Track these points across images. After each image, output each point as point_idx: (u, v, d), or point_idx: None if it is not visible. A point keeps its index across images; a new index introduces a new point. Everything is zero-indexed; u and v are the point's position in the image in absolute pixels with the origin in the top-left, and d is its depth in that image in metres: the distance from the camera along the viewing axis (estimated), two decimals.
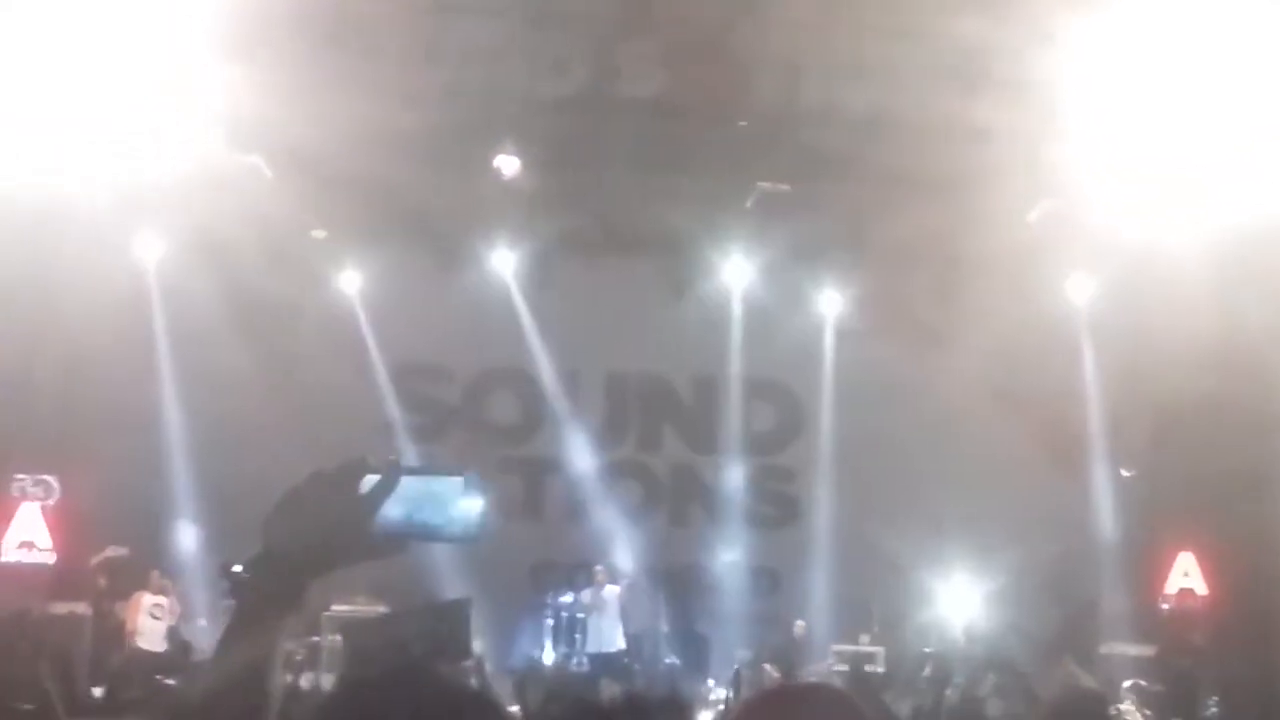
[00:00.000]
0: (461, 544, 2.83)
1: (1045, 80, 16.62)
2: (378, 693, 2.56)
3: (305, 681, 17.65)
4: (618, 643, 20.68)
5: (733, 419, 23.74)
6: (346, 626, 12.18)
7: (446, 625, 8.91)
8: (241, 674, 2.58)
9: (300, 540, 2.67)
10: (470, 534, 2.78)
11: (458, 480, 2.80)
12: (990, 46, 16.45)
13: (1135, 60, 16.91)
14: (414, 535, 2.75)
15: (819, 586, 22.44)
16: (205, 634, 19.59)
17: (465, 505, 2.75)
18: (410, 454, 22.73)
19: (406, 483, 2.72)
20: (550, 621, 21.00)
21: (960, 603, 21.55)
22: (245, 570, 2.70)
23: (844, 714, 3.49)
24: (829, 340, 23.37)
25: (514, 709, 15.17)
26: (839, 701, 3.59)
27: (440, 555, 19.31)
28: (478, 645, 19.94)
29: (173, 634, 20.04)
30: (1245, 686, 18.08)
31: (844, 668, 20.24)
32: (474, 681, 16.96)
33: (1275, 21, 16.12)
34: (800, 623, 21.65)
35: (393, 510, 2.70)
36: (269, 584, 2.68)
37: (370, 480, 2.71)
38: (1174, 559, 21.23)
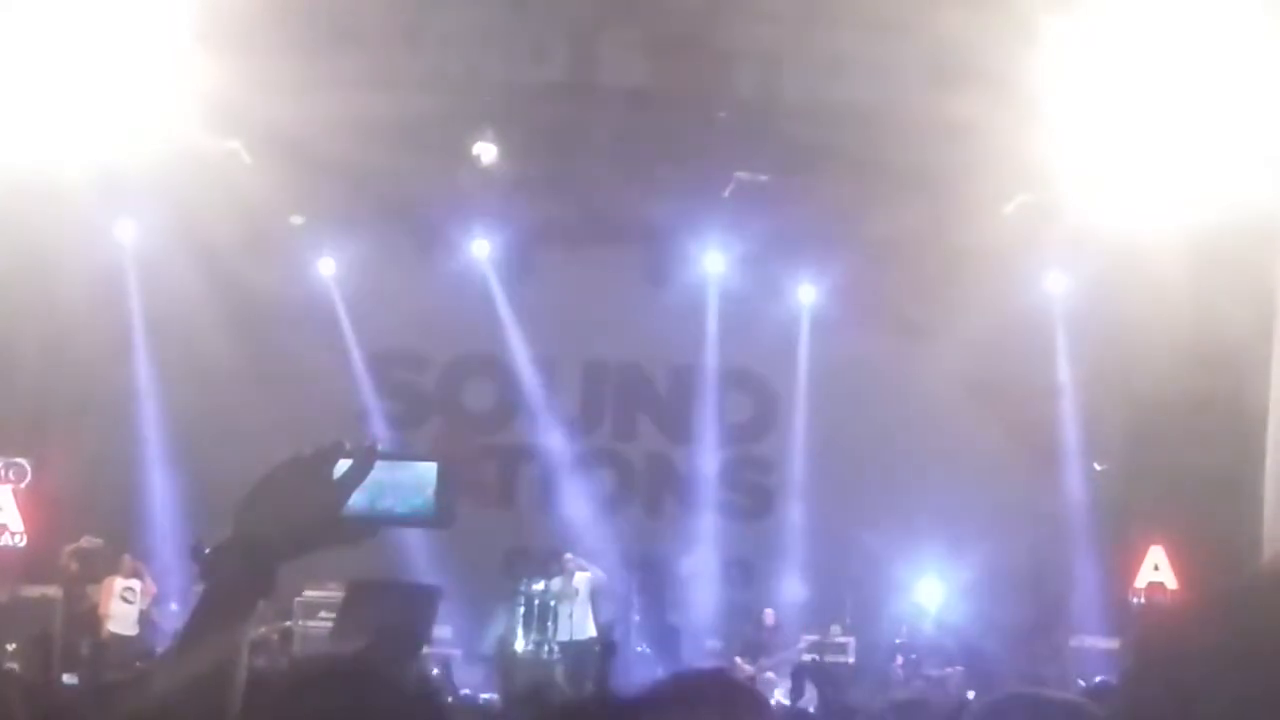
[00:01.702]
0: (431, 529, 2.86)
1: (1024, 75, 16.67)
2: (320, 691, 2.56)
3: (276, 667, 17.62)
4: (588, 630, 20.69)
5: (708, 409, 23.74)
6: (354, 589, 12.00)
7: (412, 612, 8.92)
8: (205, 672, 2.59)
9: (271, 524, 2.68)
10: (440, 521, 2.82)
11: (430, 467, 2.83)
12: (969, 41, 16.48)
13: (1113, 55, 16.97)
14: (384, 521, 2.78)
15: (792, 577, 22.46)
16: (176, 618, 19.55)
17: (436, 492, 2.77)
18: (385, 440, 22.74)
19: (379, 469, 2.73)
20: (522, 609, 20.99)
21: (933, 594, 21.63)
22: (215, 554, 2.71)
23: (741, 702, 3.51)
24: (805, 332, 23.37)
25: (487, 697, 15.21)
26: (736, 690, 3.61)
27: (413, 541, 19.32)
28: (446, 632, 20.07)
29: (145, 618, 20.01)
30: None
31: (811, 657, 20.25)
32: (436, 671, 16.99)
33: (1251, 17, 16.17)
34: (769, 611, 21.68)
35: (364, 496, 2.71)
36: (239, 568, 2.68)
37: (343, 465, 2.71)
38: (1145, 553, 21.30)
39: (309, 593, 19.78)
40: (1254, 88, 16.64)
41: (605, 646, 13.04)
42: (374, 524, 2.76)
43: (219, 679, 2.58)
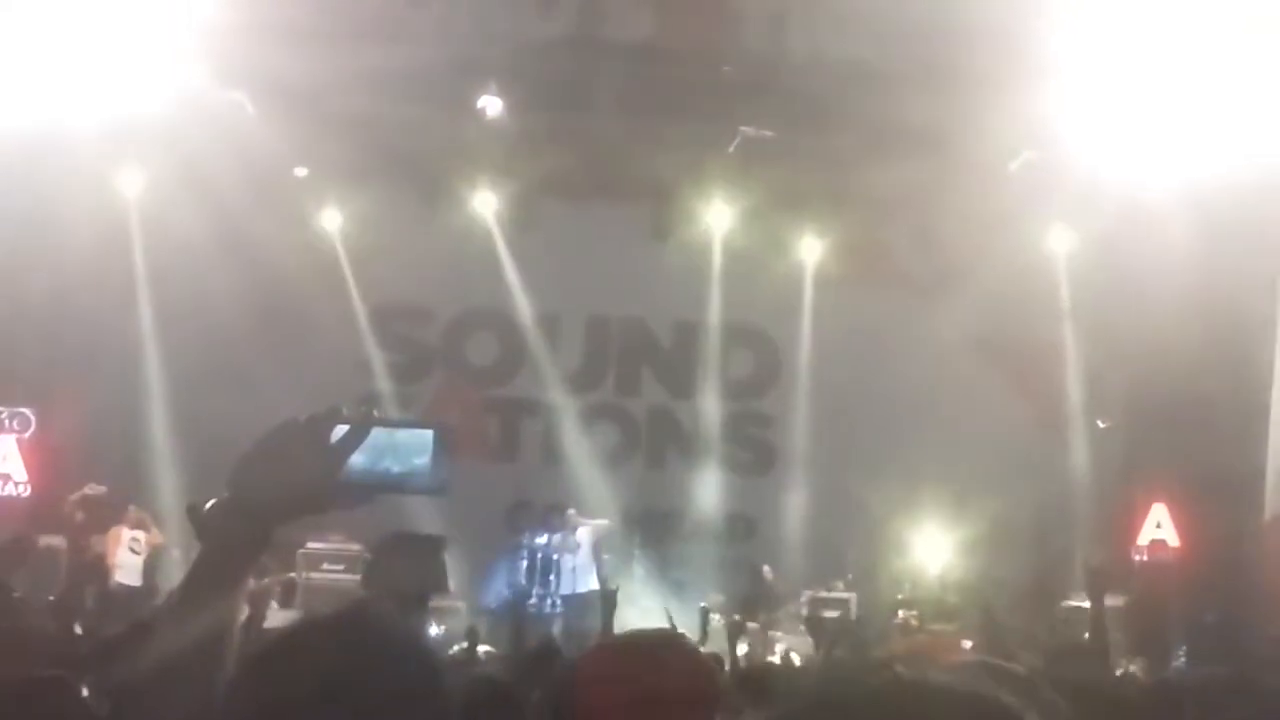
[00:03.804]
0: (427, 495, 2.88)
1: (1029, 31, 16.62)
2: (322, 634, 2.59)
3: (279, 619, 17.70)
4: (590, 584, 20.76)
5: (711, 364, 23.75)
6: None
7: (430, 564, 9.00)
8: (201, 631, 2.61)
9: (268, 487, 2.70)
10: (436, 486, 2.87)
11: (426, 433, 2.87)
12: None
13: (1119, 10, 16.91)
14: (380, 486, 2.81)
15: (794, 533, 22.52)
16: (177, 566, 19.60)
17: (433, 458, 2.79)
18: (388, 394, 22.79)
19: (376, 434, 2.76)
20: (525, 562, 21.06)
21: (935, 551, 21.67)
22: (211, 514, 2.73)
23: (688, 665, 3.54)
24: (809, 288, 23.36)
25: (485, 649, 15.24)
26: (684, 652, 3.64)
27: (415, 495, 19.35)
28: (450, 583, 20.17)
29: (150, 568, 20.08)
30: (1213, 637, 18.22)
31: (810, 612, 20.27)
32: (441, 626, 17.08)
33: None
34: (768, 568, 21.74)
35: (361, 460, 2.74)
36: (235, 528, 2.72)
37: (341, 430, 2.73)
38: (1148, 510, 21.34)
39: (312, 545, 19.89)
40: (1262, 43, 16.60)
41: (606, 598, 13.05)
42: (370, 489, 2.79)
43: (214, 638, 2.61)
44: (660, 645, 3.74)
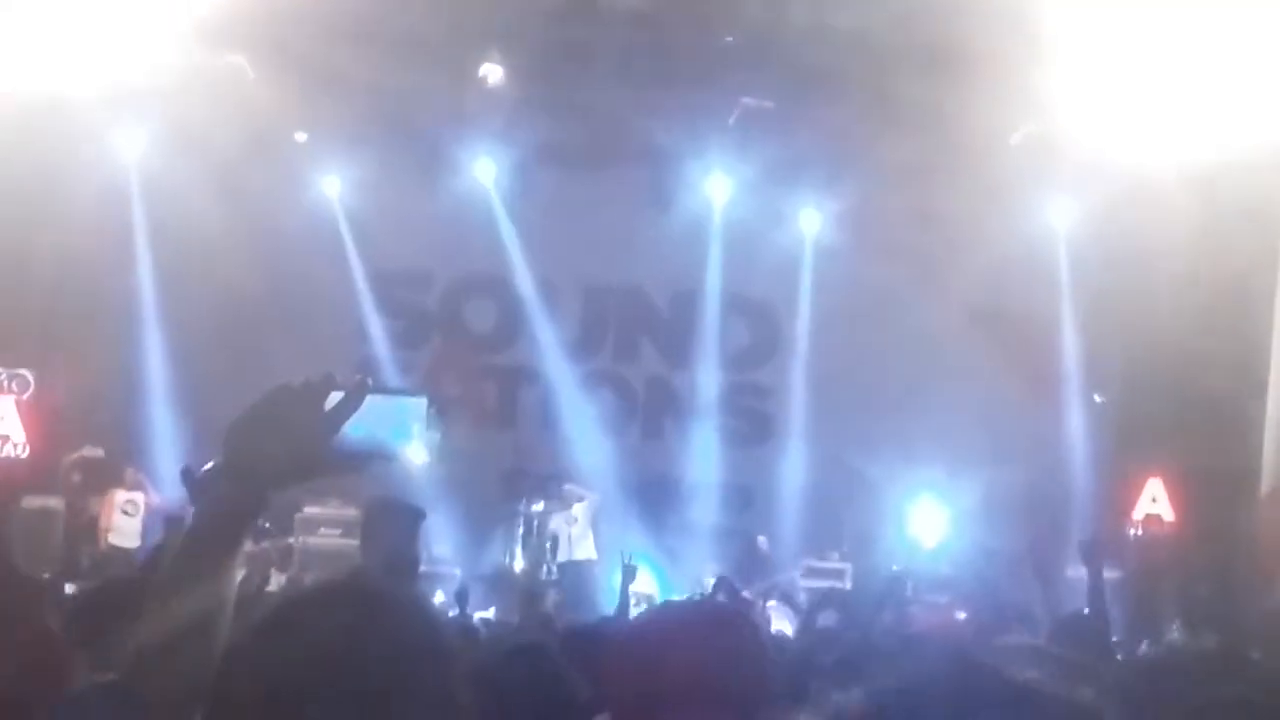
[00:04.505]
0: (421, 462, 2.89)
1: (1030, 5, 16.59)
2: (318, 605, 2.59)
3: (277, 583, 17.74)
4: (589, 553, 20.83)
5: (710, 334, 23.77)
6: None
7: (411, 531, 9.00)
8: (195, 597, 2.62)
9: (262, 454, 2.72)
10: (430, 454, 2.87)
11: (420, 402, 2.87)
12: None
13: None
14: (374, 454, 2.82)
15: (790, 503, 22.57)
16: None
17: (426, 427, 2.80)
18: (386, 359, 22.83)
19: (370, 402, 2.76)
20: (521, 529, 21.10)
21: (931, 523, 21.73)
22: (205, 479, 2.74)
23: (729, 633, 3.51)
24: (808, 258, 23.36)
25: (482, 615, 15.28)
26: (725, 621, 3.61)
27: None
28: (446, 551, 20.24)
29: (147, 530, 20.12)
30: (1207, 611, 18.28)
31: (812, 583, 20.29)
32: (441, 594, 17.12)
33: None
34: (762, 538, 21.81)
35: (355, 429, 2.74)
36: (230, 493, 2.73)
37: (335, 397, 2.74)
38: (1143, 485, 21.38)
39: (309, 509, 19.92)
40: (1264, 19, 16.58)
41: (625, 570, 13.11)
42: (363, 457, 2.80)
43: (211, 603, 2.62)
44: (713, 613, 3.75)
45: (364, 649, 2.49)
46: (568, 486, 21.33)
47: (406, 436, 2.83)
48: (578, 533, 20.91)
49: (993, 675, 1.95)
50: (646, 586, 19.66)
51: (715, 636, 3.45)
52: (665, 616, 4.00)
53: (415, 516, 9.14)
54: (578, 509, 21.04)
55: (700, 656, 3.38)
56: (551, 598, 18.70)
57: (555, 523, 20.96)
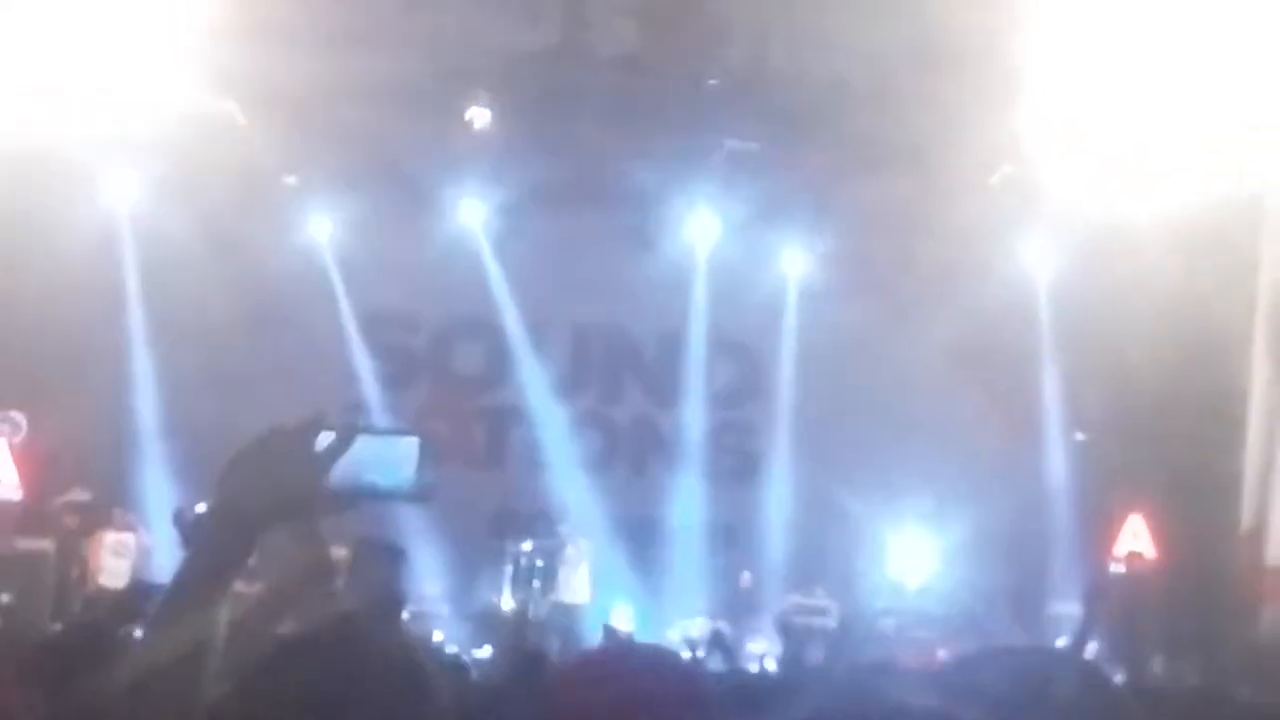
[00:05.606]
0: (411, 504, 2.95)
1: (1008, 48, 16.80)
2: (309, 654, 2.67)
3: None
4: (582, 597, 20.87)
5: (694, 374, 23.89)
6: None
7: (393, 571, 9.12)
8: (183, 639, 2.64)
9: (253, 494, 2.73)
10: (420, 495, 2.88)
11: (411, 441, 2.88)
12: (955, 17, 16.60)
13: (1098, 31, 17.10)
14: (364, 494, 2.84)
15: (775, 541, 22.65)
16: (164, 573, 19.63)
17: (417, 467, 2.84)
18: (376, 401, 22.93)
19: (360, 442, 2.78)
20: (509, 568, 21.17)
21: (915, 560, 21.82)
22: (197, 521, 2.80)
23: (665, 678, 3.55)
24: (792, 299, 23.52)
25: (481, 651, 15.39)
26: (663, 665, 3.60)
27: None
28: (435, 590, 20.32)
29: (137, 572, 20.14)
30: (1189, 646, 18.40)
31: (798, 619, 20.36)
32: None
33: None
34: (746, 574, 21.89)
35: (345, 469, 2.76)
36: (220, 535, 2.76)
37: (326, 438, 2.77)
38: (1124, 522, 21.50)
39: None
40: (1239, 67, 16.79)
41: (606, 631, 13.17)
42: (354, 497, 2.82)
43: (196, 646, 2.65)
44: (649, 653, 3.76)
45: (350, 696, 2.55)
46: (563, 527, 21.40)
47: (397, 476, 2.84)
48: (572, 574, 20.94)
49: (894, 705, 2.02)
50: (626, 624, 19.81)
51: (643, 678, 3.45)
52: (596, 659, 4.00)
53: (396, 556, 9.24)
54: (571, 551, 21.09)
55: (629, 699, 3.39)
56: (538, 636, 18.78)
57: (549, 562, 21.00)
